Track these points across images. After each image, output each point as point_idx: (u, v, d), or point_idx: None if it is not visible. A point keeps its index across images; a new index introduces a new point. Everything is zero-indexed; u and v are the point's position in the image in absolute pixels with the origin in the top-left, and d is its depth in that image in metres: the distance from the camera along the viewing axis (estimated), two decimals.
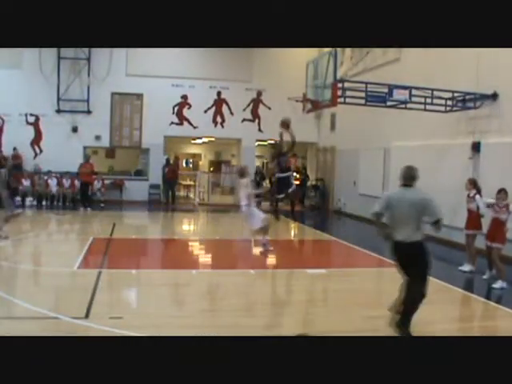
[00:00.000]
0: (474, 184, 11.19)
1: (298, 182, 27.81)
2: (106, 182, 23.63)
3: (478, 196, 10.98)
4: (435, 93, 13.68)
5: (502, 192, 10.17)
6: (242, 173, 12.09)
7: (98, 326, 6.74)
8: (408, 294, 6.86)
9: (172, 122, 24.92)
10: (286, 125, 12.64)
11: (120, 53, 23.50)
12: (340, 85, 13.25)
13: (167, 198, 24.30)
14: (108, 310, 7.71)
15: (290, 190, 13.28)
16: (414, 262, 6.84)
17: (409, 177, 6.93)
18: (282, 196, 13.29)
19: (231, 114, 25.43)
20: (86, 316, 7.25)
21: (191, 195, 28.03)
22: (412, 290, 6.82)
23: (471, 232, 11.34)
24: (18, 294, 8.34)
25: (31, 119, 23.68)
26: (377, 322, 7.44)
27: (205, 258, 13.34)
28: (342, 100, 13.39)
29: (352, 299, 9.08)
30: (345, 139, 22.49)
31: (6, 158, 22.37)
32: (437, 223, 7.02)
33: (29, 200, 21.76)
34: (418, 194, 6.95)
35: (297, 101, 16.04)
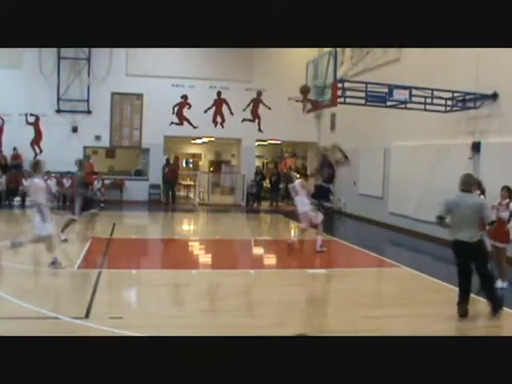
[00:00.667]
0: (478, 185, 10.39)
1: None
2: (106, 182, 23.62)
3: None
4: (435, 93, 13.68)
5: (504, 189, 10.03)
6: (290, 178, 14.03)
7: (98, 326, 6.74)
8: (484, 284, 8.08)
9: (172, 122, 24.93)
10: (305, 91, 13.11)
11: (120, 53, 23.50)
12: (340, 85, 13.24)
13: (167, 198, 24.30)
14: (108, 310, 7.71)
15: (328, 204, 13.53)
16: (478, 259, 7.85)
17: (468, 183, 7.96)
18: (329, 205, 13.52)
19: (231, 113, 25.44)
20: (86, 316, 7.25)
21: (191, 195, 28.03)
22: (484, 280, 8.01)
23: (503, 245, 9.97)
24: (18, 293, 8.33)
25: (31, 119, 23.69)
26: (377, 322, 7.44)
27: (205, 258, 13.33)
28: (342, 100, 13.39)
29: (352, 299, 9.08)
30: (345, 139, 22.38)
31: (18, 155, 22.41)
32: (492, 224, 8.17)
33: (29, 200, 21.71)
34: (476, 199, 8.09)
35: (297, 101, 16.02)
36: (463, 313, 7.85)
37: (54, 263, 10.18)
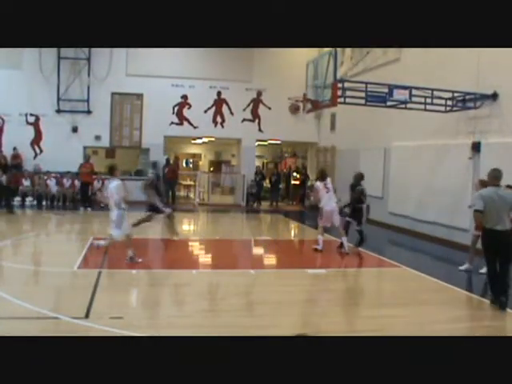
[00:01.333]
0: (484, 185, 10.12)
1: (298, 182, 27.90)
2: (107, 181, 23.56)
3: None
4: (435, 93, 13.68)
5: (507, 188, 9.95)
6: (324, 175, 13.54)
7: (98, 326, 6.74)
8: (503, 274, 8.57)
9: (172, 122, 24.95)
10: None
11: (120, 53, 23.52)
12: (340, 85, 13.25)
13: (167, 198, 24.28)
14: (108, 310, 7.71)
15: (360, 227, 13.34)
16: (508, 247, 8.49)
17: (499, 177, 8.62)
18: (359, 229, 13.24)
19: (231, 113, 25.46)
20: (86, 316, 7.25)
21: (191, 195, 28.03)
22: (504, 270, 8.55)
23: None
24: (18, 293, 8.33)
25: (31, 119, 23.71)
26: (377, 322, 7.45)
27: (205, 258, 13.33)
28: (342, 100, 13.39)
29: (352, 299, 9.08)
30: (345, 139, 22.48)
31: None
32: None
33: (29, 200, 21.76)
34: (505, 192, 8.82)
35: (296, 101, 16.03)
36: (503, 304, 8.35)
37: (132, 258, 11.13)
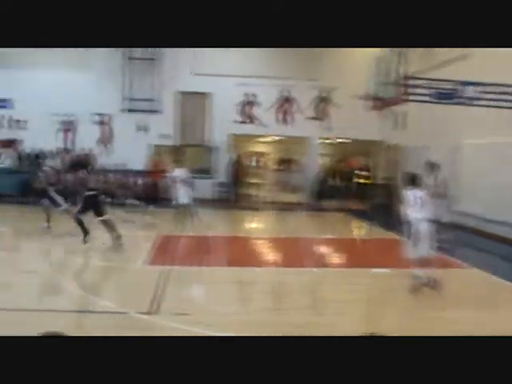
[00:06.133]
0: None
1: (364, 181, 27.59)
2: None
3: None
4: (507, 89, 13.27)
5: None
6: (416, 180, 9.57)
7: (165, 322, 6.86)
8: None
9: (238, 121, 25.09)
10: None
11: (187, 52, 23.82)
12: (408, 82, 13.05)
13: (233, 196, 24.46)
14: (175, 306, 7.83)
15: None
16: None
17: None
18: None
19: (298, 112, 25.39)
20: (154, 312, 7.40)
21: (258, 193, 28.11)
22: None
23: None
24: (90, 288, 8.57)
25: (100, 119, 24.33)
26: (447, 324, 7.31)
27: (270, 256, 13.37)
28: (410, 97, 13.18)
29: (419, 300, 8.93)
30: (413, 137, 22.05)
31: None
32: None
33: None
34: None
35: (364, 99, 15.89)
36: None
37: None
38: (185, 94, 24.71)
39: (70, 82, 23.96)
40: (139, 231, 16.37)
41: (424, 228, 9.07)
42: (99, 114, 24.35)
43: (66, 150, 24.12)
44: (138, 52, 23.63)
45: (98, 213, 12.80)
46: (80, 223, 12.78)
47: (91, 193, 12.87)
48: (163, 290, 8.75)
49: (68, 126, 24.59)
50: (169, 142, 24.84)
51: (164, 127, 24.46)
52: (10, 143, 24.70)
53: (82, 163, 23.11)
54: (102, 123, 24.47)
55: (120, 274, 10.38)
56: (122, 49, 23.53)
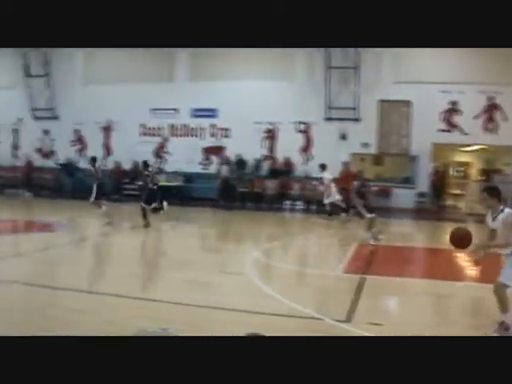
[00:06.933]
0: None
1: None
2: (373, 188, 23.74)
3: None
4: None
5: None
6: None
7: (358, 331, 6.73)
8: None
9: (440, 129, 24.17)
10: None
11: (388, 60, 23.51)
12: None
13: (434, 206, 23.63)
14: (369, 316, 7.66)
15: None
16: None
17: None
18: None
19: (504, 119, 23.80)
20: (347, 320, 7.30)
21: (460, 205, 26.90)
22: None
23: None
24: (285, 292, 8.69)
25: (302, 127, 24.86)
26: None
27: (471, 271, 12.63)
28: None
29: None
30: None
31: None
32: None
33: (298, 204, 22.80)
34: None
35: None
36: None
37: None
38: (385, 102, 24.34)
39: (271, 91, 24.86)
40: (334, 238, 16.39)
41: None
42: (301, 123, 24.91)
43: (269, 157, 25.08)
44: (338, 60, 23.77)
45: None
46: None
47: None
48: (358, 298, 8.63)
49: (269, 134, 25.45)
50: (368, 151, 24.67)
51: (364, 135, 24.32)
52: (217, 150, 26.20)
53: (281, 170, 24.00)
54: (302, 131, 24.99)
55: (317, 280, 10.42)
56: (323, 58, 23.84)
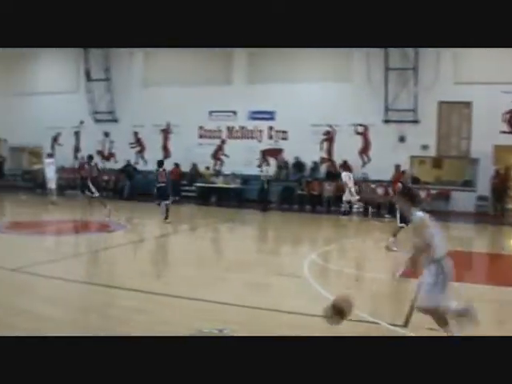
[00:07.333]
0: None
1: None
2: (432, 191, 23.37)
3: None
4: None
5: None
6: None
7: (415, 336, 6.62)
8: None
9: (502, 131, 23.55)
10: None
11: (448, 60, 23.08)
12: None
13: (496, 210, 23.06)
14: (428, 320, 7.52)
15: None
16: None
17: None
18: None
19: None
20: (405, 325, 7.19)
21: None
22: None
23: None
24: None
25: (360, 129, 24.67)
26: None
27: None
28: None
29: None
30: None
31: None
32: None
33: (356, 207, 22.61)
34: None
35: None
36: None
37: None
38: (445, 103, 23.90)
39: (328, 93, 24.81)
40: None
41: None
42: (359, 125, 24.72)
43: (327, 160, 25.03)
44: (397, 61, 23.49)
45: None
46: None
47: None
48: (415, 303, 8.47)
49: (327, 136, 25.36)
50: (427, 153, 24.28)
51: (423, 138, 23.93)
52: (275, 152, 26.29)
53: (339, 173, 23.89)
54: (360, 133, 24.80)
55: (374, 283, 10.31)
56: (381, 59, 23.60)
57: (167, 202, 17.57)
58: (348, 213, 21.32)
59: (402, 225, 13.27)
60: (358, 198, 20.56)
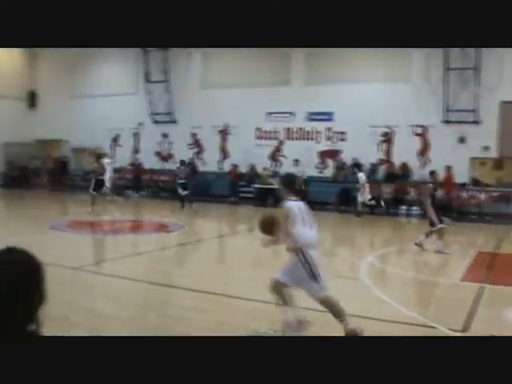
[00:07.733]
0: None
1: None
2: (493, 194, 22.83)
3: None
4: None
5: None
6: None
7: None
8: None
9: None
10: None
11: (511, 60, 22.49)
12: None
13: None
14: (487, 326, 7.38)
15: None
16: None
17: None
18: None
19: None
20: (464, 330, 7.06)
21: None
22: None
23: None
24: (399, 299, 8.54)
25: (419, 130, 24.31)
26: None
27: None
28: None
29: None
30: None
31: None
32: None
33: (414, 209, 22.33)
34: None
35: None
36: None
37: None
38: (508, 103, 23.26)
39: (387, 93, 24.56)
40: (453, 244, 15.89)
41: None
42: (418, 126, 24.36)
43: (385, 161, 24.81)
44: (457, 61, 23.03)
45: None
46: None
47: None
48: (476, 308, 8.32)
49: (385, 137, 25.10)
50: (488, 155, 23.70)
51: (484, 139, 23.37)
52: (333, 154, 26.19)
53: (398, 174, 23.63)
54: (419, 134, 24.44)
55: (432, 287, 10.17)
56: (441, 59, 23.20)
57: (186, 192, 21.58)
58: (365, 213, 21.55)
59: (442, 225, 13.09)
60: (369, 197, 21.05)
